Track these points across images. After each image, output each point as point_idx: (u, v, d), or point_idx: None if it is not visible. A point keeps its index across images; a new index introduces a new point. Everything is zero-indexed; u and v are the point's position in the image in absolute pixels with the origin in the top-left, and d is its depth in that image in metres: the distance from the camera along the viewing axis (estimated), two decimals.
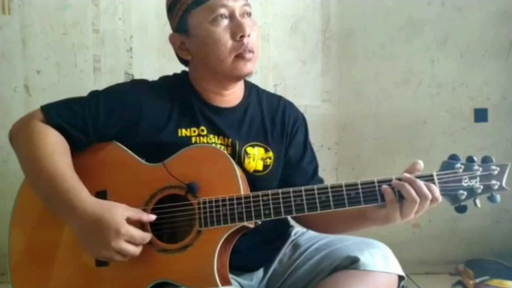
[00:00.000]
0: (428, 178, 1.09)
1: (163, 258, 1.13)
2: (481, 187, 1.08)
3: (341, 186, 1.10)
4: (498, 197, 1.08)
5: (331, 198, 1.10)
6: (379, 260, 1.20)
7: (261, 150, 1.30)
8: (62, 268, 1.19)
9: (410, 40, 2.19)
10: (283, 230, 1.38)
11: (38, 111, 1.22)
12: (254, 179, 1.23)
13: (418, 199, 1.06)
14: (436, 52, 2.19)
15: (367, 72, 2.20)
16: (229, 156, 1.17)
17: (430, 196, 1.06)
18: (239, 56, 1.22)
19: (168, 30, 1.32)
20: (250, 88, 1.37)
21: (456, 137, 2.23)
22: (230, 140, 1.26)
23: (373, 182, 1.10)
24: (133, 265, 1.12)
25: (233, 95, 1.32)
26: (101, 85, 1.39)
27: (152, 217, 1.13)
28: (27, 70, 2.04)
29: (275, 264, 1.33)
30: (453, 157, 1.11)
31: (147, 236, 1.11)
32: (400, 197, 1.08)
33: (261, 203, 1.11)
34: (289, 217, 1.26)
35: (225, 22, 1.21)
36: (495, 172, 1.08)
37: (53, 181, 1.12)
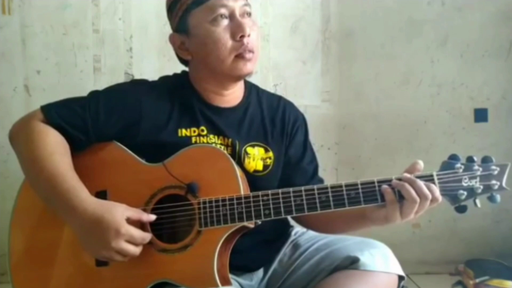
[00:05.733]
0: (428, 178, 1.09)
1: (163, 258, 1.13)
2: (481, 187, 1.08)
3: (341, 186, 1.10)
4: (498, 197, 1.08)
5: (331, 198, 1.10)
6: (379, 260, 1.20)
7: (261, 150, 1.30)
8: (62, 268, 1.19)
9: (410, 40, 2.19)
10: (283, 230, 1.38)
11: (38, 111, 1.22)
12: (254, 179, 1.23)
13: (418, 199, 1.06)
14: (436, 52, 2.20)
15: (367, 72, 2.20)
16: (229, 156, 1.17)
17: (430, 196, 1.06)
18: (239, 56, 1.22)
19: (168, 30, 1.32)
20: (250, 88, 1.37)
21: (456, 137, 2.23)
22: (230, 140, 1.27)
23: (373, 182, 1.10)
24: (133, 265, 1.12)
25: (233, 95, 1.32)
26: (101, 85, 1.39)
27: (152, 217, 1.13)
28: (27, 70, 2.04)
29: (275, 264, 1.33)
30: (453, 157, 1.11)
31: (147, 236, 1.11)
32: (400, 197, 1.08)
33: (261, 203, 1.11)
34: (289, 217, 1.26)
35: (225, 22, 1.21)
36: (495, 172, 1.08)
37: (53, 181, 1.12)
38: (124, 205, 1.12)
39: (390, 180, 1.09)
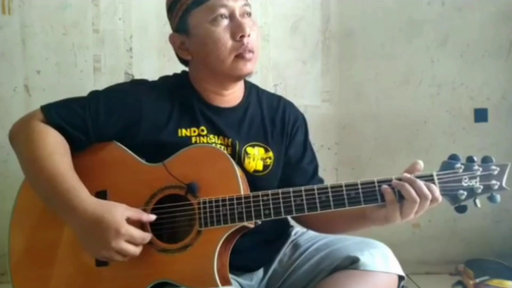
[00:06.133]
0: (428, 178, 1.09)
1: (163, 258, 1.13)
2: (481, 187, 1.08)
3: (341, 186, 1.10)
4: (498, 197, 1.08)
5: (331, 198, 1.10)
6: (379, 260, 1.20)
7: (261, 150, 1.30)
8: (62, 268, 1.19)
9: (410, 40, 2.19)
10: (283, 230, 1.38)
11: (38, 111, 1.22)
12: (254, 179, 1.23)
13: (418, 199, 1.06)
14: (436, 52, 2.20)
15: (367, 72, 2.20)
16: (229, 156, 1.17)
17: (430, 196, 1.06)
18: (239, 56, 1.22)
19: (168, 30, 1.32)
20: (250, 88, 1.37)
21: (456, 137, 2.23)
22: (230, 140, 1.26)
23: (373, 182, 1.10)
24: (133, 265, 1.12)
25: (233, 95, 1.32)
26: (101, 85, 1.39)
27: (152, 217, 1.13)
28: (27, 70, 2.04)
29: (275, 264, 1.33)
30: (453, 157, 1.11)
31: (147, 236, 1.11)
32: (400, 197, 1.08)
33: (261, 203, 1.11)
34: (289, 217, 1.26)
35: (225, 22, 1.21)
36: (495, 172, 1.08)
37: (53, 181, 1.12)
38: (124, 205, 1.12)
39: (390, 180, 1.09)
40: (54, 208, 1.14)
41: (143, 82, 1.33)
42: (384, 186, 1.09)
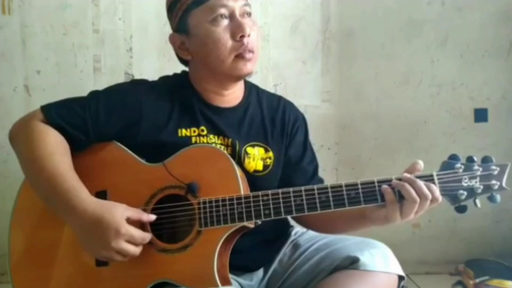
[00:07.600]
0: (428, 178, 1.09)
1: (163, 258, 1.13)
2: (481, 187, 1.08)
3: (341, 186, 1.10)
4: (498, 197, 1.08)
5: (331, 198, 1.10)
6: (379, 260, 1.20)
7: (261, 150, 1.30)
8: (62, 268, 1.19)
9: (410, 40, 2.19)
10: (283, 230, 1.38)
11: (38, 111, 1.22)
12: (254, 179, 1.23)
13: (418, 199, 1.06)
14: (436, 52, 2.20)
15: (367, 72, 2.20)
16: (229, 156, 1.17)
17: (430, 196, 1.06)
18: (239, 56, 1.22)
19: (168, 30, 1.32)
20: (250, 88, 1.37)
21: (456, 137, 2.23)
22: (230, 140, 1.27)
23: (373, 182, 1.10)
24: (133, 265, 1.12)
25: (233, 95, 1.32)
26: (101, 85, 1.39)
27: (152, 217, 1.14)
28: (27, 70, 2.04)
29: (275, 264, 1.33)
30: (453, 157, 1.11)
31: (147, 236, 1.11)
32: (400, 197, 1.08)
33: (261, 203, 1.11)
34: (289, 217, 1.26)
35: (225, 22, 1.21)
36: (495, 172, 1.08)
37: (53, 181, 1.12)
38: (124, 205, 1.12)
39: (390, 180, 1.09)
40: (54, 208, 1.14)
41: (143, 82, 1.33)
42: (384, 186, 1.09)
